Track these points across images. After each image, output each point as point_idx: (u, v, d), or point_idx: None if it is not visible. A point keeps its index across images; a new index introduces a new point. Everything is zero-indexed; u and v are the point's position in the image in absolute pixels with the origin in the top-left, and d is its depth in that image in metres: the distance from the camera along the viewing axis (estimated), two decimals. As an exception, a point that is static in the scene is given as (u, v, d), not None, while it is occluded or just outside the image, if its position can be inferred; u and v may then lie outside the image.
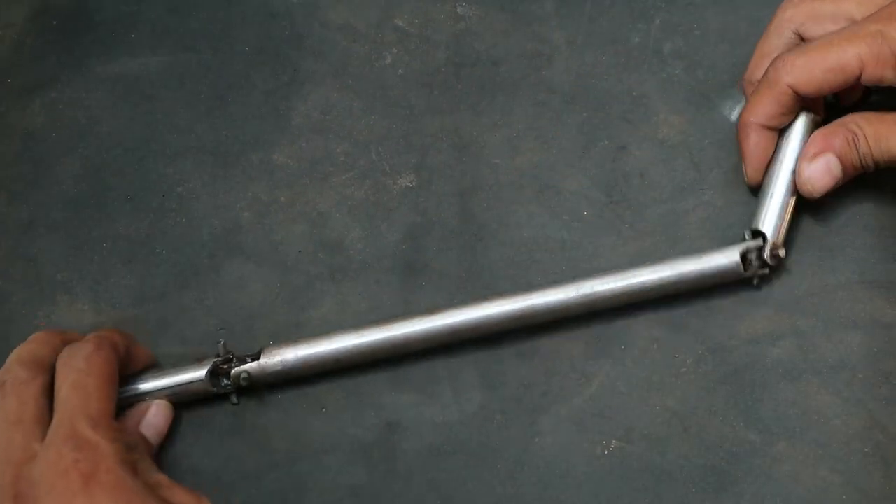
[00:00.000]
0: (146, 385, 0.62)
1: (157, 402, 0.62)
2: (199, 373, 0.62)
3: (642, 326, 0.65)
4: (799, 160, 0.64)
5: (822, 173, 0.63)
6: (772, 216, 0.64)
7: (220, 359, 0.63)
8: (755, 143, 0.64)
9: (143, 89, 0.73)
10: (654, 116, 0.70)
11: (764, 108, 0.63)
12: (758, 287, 0.64)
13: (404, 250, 0.68)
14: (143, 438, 0.61)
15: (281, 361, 0.62)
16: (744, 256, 0.63)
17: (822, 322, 0.64)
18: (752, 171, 0.65)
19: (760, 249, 0.63)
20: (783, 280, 0.65)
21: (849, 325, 0.64)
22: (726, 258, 0.62)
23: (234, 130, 0.72)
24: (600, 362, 0.65)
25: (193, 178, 0.70)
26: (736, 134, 0.66)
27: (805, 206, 0.66)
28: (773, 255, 0.63)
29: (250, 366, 0.62)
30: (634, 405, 0.63)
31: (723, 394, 0.63)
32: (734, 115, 0.70)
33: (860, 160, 0.62)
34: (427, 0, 0.74)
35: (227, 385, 0.63)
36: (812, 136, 0.64)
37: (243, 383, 0.62)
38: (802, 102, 0.64)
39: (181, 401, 0.63)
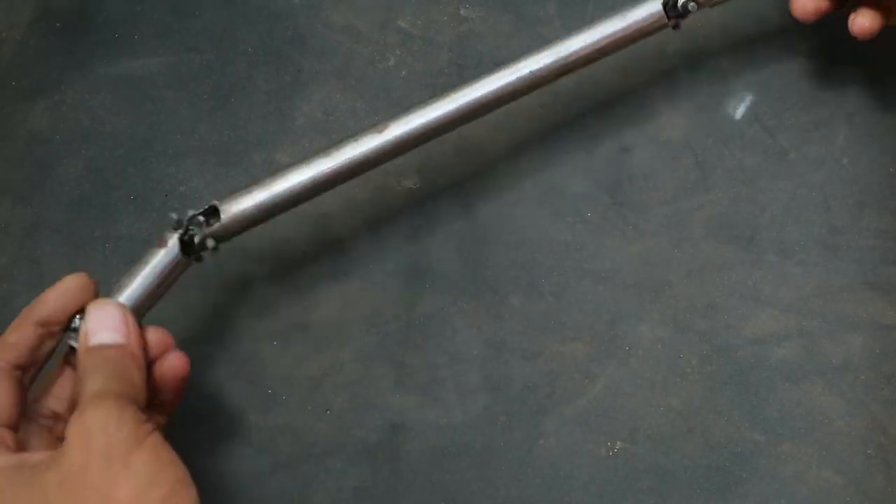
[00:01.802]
0: (120, 296, 0.58)
1: (90, 306, 0.56)
2: (171, 255, 0.58)
3: (646, 327, 0.65)
4: None
5: None
6: None
7: (181, 232, 0.59)
8: None
9: (146, 90, 0.72)
10: (657, 117, 0.70)
11: None
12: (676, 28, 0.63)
13: (407, 252, 0.68)
14: (97, 350, 0.54)
15: (241, 212, 0.60)
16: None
17: (826, 323, 0.64)
18: None
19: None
20: (787, 281, 0.66)
21: (852, 326, 0.64)
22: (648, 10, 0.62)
23: (236, 131, 0.72)
24: (604, 363, 0.65)
25: (196, 179, 0.70)
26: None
27: (807, 207, 0.66)
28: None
29: (214, 229, 0.59)
30: (639, 406, 0.63)
31: (727, 394, 0.63)
32: (738, 115, 0.70)
33: None
34: (430, 1, 0.74)
35: (197, 250, 0.59)
36: None
37: (211, 247, 0.59)
38: None
39: (160, 291, 0.59)
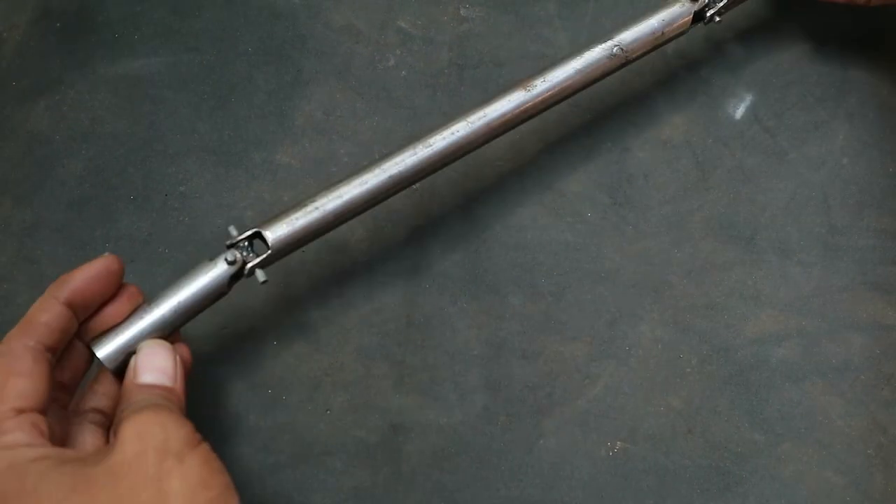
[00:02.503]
0: (161, 309, 0.57)
1: (143, 346, 0.56)
2: (219, 282, 0.57)
3: (646, 327, 0.65)
4: None
5: None
6: None
7: (235, 266, 0.57)
8: None
9: (146, 90, 0.72)
10: (657, 117, 0.70)
11: None
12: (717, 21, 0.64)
13: (407, 252, 0.68)
14: (146, 388, 0.54)
15: (285, 237, 0.58)
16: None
17: (826, 323, 0.64)
18: None
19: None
20: (787, 281, 0.66)
21: (852, 326, 0.64)
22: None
23: (236, 130, 0.72)
24: (604, 363, 0.65)
25: (196, 178, 0.70)
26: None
27: (807, 207, 0.66)
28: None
29: (263, 259, 0.58)
30: (639, 406, 0.64)
31: (727, 394, 0.63)
32: (738, 115, 0.70)
33: None
34: (430, 2, 0.74)
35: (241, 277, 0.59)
36: None
37: (261, 280, 0.58)
38: None
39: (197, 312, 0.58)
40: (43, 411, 0.52)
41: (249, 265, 0.58)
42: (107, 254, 0.57)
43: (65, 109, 0.72)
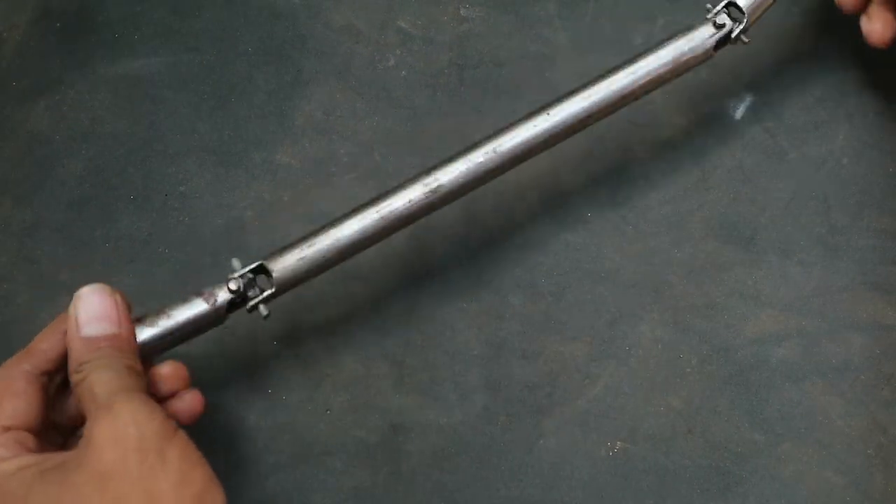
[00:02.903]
0: (149, 331, 0.56)
1: (78, 294, 0.55)
2: (215, 313, 0.57)
3: (646, 327, 0.65)
4: None
5: None
6: None
7: (236, 297, 0.57)
8: None
9: (146, 90, 0.72)
10: (657, 117, 0.70)
11: None
12: (743, 43, 0.62)
13: (408, 253, 0.68)
14: (91, 342, 0.54)
15: (291, 269, 0.57)
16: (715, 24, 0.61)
17: (826, 323, 0.64)
18: None
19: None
20: (787, 281, 0.66)
21: (852, 326, 0.64)
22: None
23: (236, 130, 0.72)
24: (604, 363, 0.65)
25: (196, 178, 0.70)
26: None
27: (807, 207, 0.66)
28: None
29: (266, 296, 0.57)
30: (639, 406, 0.64)
31: (727, 394, 0.63)
32: (738, 115, 0.70)
33: None
34: (430, 2, 0.74)
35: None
36: None
37: (264, 315, 0.58)
38: None
39: (187, 337, 0.58)
40: (33, 430, 0.53)
41: (251, 303, 0.57)
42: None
43: (65, 109, 0.72)
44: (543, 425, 0.63)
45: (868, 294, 0.65)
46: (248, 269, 0.58)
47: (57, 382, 0.56)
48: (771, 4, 0.62)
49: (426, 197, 0.59)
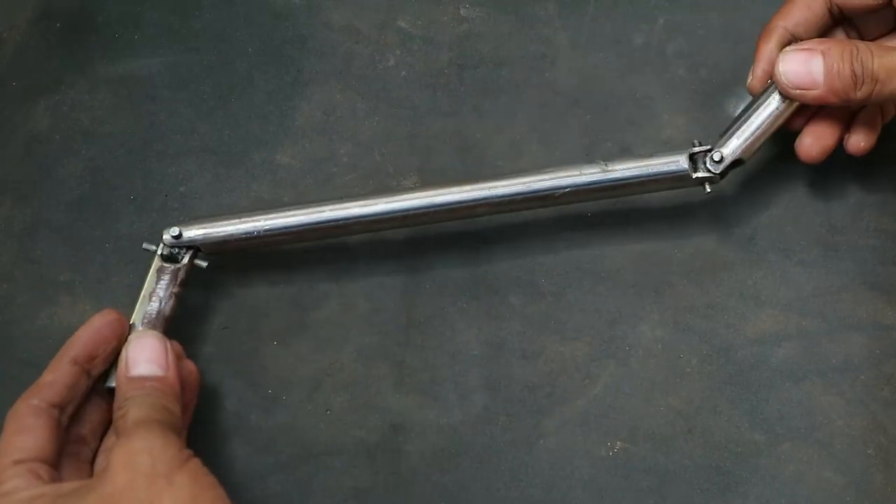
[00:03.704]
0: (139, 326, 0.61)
1: (131, 338, 0.58)
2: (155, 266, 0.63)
3: (646, 327, 0.65)
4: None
5: (800, 66, 0.60)
6: (734, 129, 0.63)
7: (160, 247, 0.63)
8: (772, 49, 0.63)
9: (145, 90, 0.72)
10: (657, 117, 0.70)
11: (794, 14, 0.62)
12: (708, 191, 0.63)
13: (407, 252, 0.68)
14: (138, 381, 0.56)
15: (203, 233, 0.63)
16: (692, 157, 0.63)
17: (826, 323, 0.64)
18: (757, 76, 0.64)
19: (707, 153, 0.62)
20: (787, 281, 0.66)
21: (852, 326, 0.64)
22: (675, 159, 0.63)
23: (236, 130, 0.72)
24: (604, 363, 0.65)
25: (196, 178, 0.70)
26: (757, 36, 0.64)
27: (807, 207, 0.66)
28: (716, 161, 0.62)
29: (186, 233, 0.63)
30: (639, 406, 0.64)
31: (727, 394, 0.63)
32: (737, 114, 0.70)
33: (851, 75, 0.59)
34: (430, 2, 0.74)
35: (180, 251, 0.63)
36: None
37: (175, 235, 0.63)
38: (832, 20, 0.63)
39: (173, 309, 0.62)
40: (46, 461, 0.54)
41: (181, 264, 0.63)
42: (105, 309, 0.60)
43: (65, 110, 0.72)
44: (543, 425, 0.63)
45: (868, 294, 0.65)
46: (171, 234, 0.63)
47: (69, 413, 0.57)
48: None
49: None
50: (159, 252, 0.63)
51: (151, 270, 0.62)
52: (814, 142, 0.63)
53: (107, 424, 0.60)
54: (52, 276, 0.68)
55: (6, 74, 0.73)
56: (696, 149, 0.63)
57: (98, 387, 0.59)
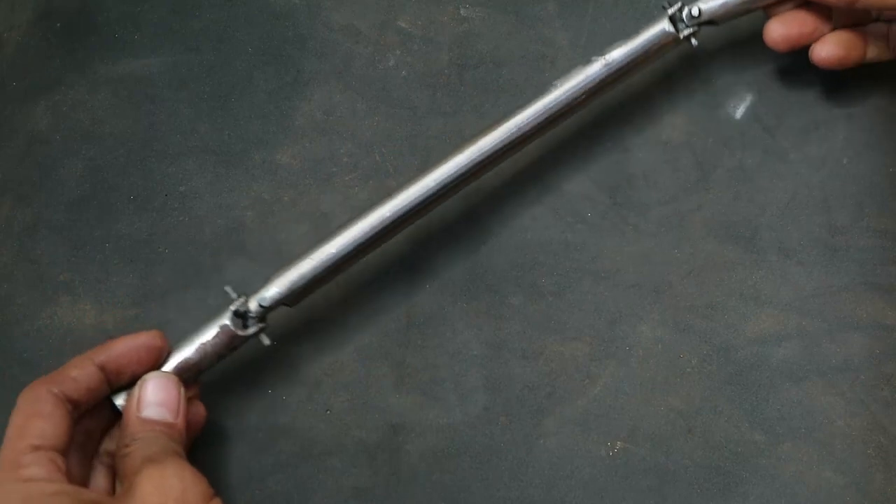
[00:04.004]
0: (169, 365, 0.59)
1: (148, 377, 0.58)
2: (223, 320, 0.59)
3: (646, 327, 0.65)
4: None
5: None
6: None
7: (238, 302, 0.60)
8: None
9: (145, 90, 0.72)
10: (656, 117, 0.70)
11: None
12: (695, 44, 0.65)
13: (408, 252, 0.68)
14: (148, 423, 0.56)
15: (288, 282, 0.61)
16: (672, 20, 0.65)
17: (826, 323, 0.64)
18: None
19: (682, 11, 0.65)
20: (787, 281, 0.66)
21: (852, 326, 0.64)
22: (660, 27, 0.65)
23: (236, 130, 0.72)
24: (604, 363, 0.65)
25: (196, 178, 0.70)
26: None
27: (807, 207, 0.66)
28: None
29: (270, 292, 0.60)
30: (639, 406, 0.64)
31: (728, 394, 0.63)
32: (738, 115, 0.70)
33: None
34: (430, 2, 0.74)
35: (251, 323, 0.60)
36: None
37: (264, 303, 0.60)
38: None
39: (210, 365, 0.60)
40: (61, 452, 0.54)
41: (246, 332, 0.60)
42: (154, 330, 0.59)
43: (65, 109, 0.72)
44: (543, 425, 0.63)
45: (868, 294, 0.65)
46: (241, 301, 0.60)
47: (80, 413, 0.56)
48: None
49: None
50: (234, 308, 0.60)
51: (216, 322, 0.60)
52: (780, 26, 0.65)
53: (109, 427, 0.59)
54: (52, 276, 0.68)
55: (6, 74, 0.73)
56: (671, 9, 0.65)
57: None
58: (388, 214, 0.62)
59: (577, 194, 0.69)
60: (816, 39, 0.66)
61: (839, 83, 0.70)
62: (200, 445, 0.64)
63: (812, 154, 0.69)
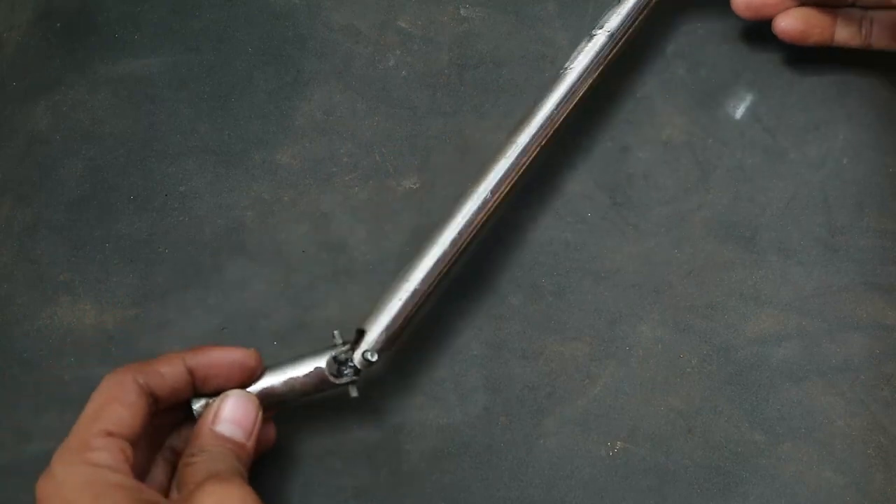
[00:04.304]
0: (254, 388, 0.59)
1: (231, 394, 0.57)
2: (319, 361, 0.59)
3: (646, 327, 0.65)
4: None
5: None
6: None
7: (342, 349, 0.59)
8: None
9: (145, 90, 0.72)
10: (657, 117, 0.70)
11: None
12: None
13: (408, 252, 0.68)
14: (220, 438, 0.56)
15: (385, 327, 0.59)
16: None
17: (826, 323, 0.64)
18: None
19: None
20: (787, 281, 0.66)
21: (852, 326, 0.64)
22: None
23: (236, 130, 0.72)
24: (604, 363, 0.65)
25: (196, 178, 0.70)
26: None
27: (807, 207, 0.66)
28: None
29: (375, 345, 0.59)
30: (639, 406, 0.63)
31: (728, 394, 0.63)
32: (738, 115, 0.70)
33: None
34: (430, 2, 0.74)
35: (347, 372, 0.59)
36: None
37: (371, 357, 0.58)
38: None
39: (293, 401, 0.60)
40: (132, 442, 0.53)
41: (339, 381, 0.59)
42: (252, 350, 0.59)
43: (65, 110, 0.72)
44: (543, 425, 0.63)
45: (868, 294, 0.65)
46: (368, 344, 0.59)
47: (157, 409, 0.56)
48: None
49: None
50: (335, 354, 0.59)
51: (312, 362, 0.59)
52: None
53: (168, 429, 0.59)
54: (52, 276, 0.68)
55: (6, 74, 0.73)
56: None
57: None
58: (456, 233, 0.61)
59: (577, 194, 0.69)
60: (782, 12, 0.67)
61: (839, 83, 0.70)
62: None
63: (812, 154, 0.69)
